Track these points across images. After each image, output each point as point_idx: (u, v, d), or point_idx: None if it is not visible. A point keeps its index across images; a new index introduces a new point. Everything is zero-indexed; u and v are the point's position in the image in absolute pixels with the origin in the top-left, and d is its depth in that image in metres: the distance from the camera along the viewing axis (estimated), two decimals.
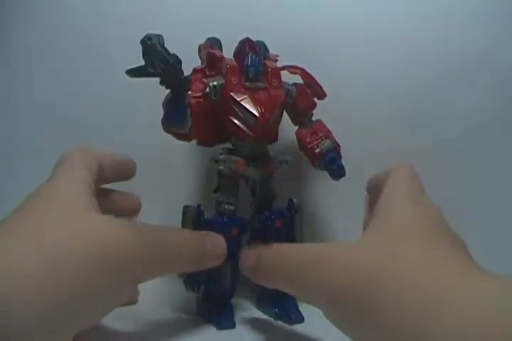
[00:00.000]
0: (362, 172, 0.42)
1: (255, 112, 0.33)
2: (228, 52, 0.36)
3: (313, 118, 0.38)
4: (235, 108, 0.33)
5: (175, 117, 0.31)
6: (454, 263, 0.23)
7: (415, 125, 0.43)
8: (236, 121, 0.33)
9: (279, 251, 0.30)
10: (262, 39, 0.37)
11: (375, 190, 0.31)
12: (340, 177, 0.35)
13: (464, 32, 0.43)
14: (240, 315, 0.35)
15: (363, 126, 0.43)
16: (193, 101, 0.31)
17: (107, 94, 0.43)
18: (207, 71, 0.35)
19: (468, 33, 0.43)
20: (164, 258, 0.29)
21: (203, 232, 0.32)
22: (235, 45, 0.36)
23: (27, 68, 0.44)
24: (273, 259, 0.30)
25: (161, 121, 0.33)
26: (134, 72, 0.29)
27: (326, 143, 0.35)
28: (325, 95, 0.37)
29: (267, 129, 0.34)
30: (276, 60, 0.37)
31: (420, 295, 0.21)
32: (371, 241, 0.26)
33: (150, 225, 0.29)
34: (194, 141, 0.36)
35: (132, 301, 0.36)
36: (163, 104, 0.32)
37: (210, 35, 0.38)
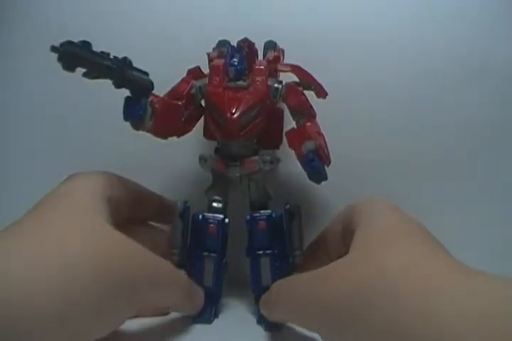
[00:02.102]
0: (362, 173, 0.43)
1: (224, 112, 0.33)
2: None
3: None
4: (210, 107, 0.34)
5: (132, 116, 0.31)
6: (442, 264, 0.23)
7: (415, 126, 0.42)
8: (211, 121, 0.34)
9: (280, 283, 0.31)
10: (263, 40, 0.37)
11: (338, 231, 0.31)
12: (317, 181, 0.34)
13: (465, 33, 0.42)
14: (229, 314, 0.36)
15: (363, 126, 0.42)
16: (154, 99, 0.32)
17: (106, 94, 0.43)
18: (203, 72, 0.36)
19: (469, 35, 0.42)
20: (163, 286, 0.30)
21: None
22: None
23: (26, 68, 0.44)
24: (275, 291, 0.31)
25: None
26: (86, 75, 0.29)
27: (309, 145, 0.33)
28: (326, 94, 0.35)
29: (236, 128, 0.33)
30: (270, 60, 0.36)
31: (412, 298, 0.21)
32: (359, 251, 0.26)
33: (153, 254, 0.29)
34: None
35: (164, 312, 0.36)
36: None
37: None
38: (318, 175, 0.33)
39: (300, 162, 0.34)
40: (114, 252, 0.26)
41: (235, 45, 0.36)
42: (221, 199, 0.36)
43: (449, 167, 0.43)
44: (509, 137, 0.42)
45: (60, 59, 0.26)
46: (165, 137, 0.34)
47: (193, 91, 0.34)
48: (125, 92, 0.42)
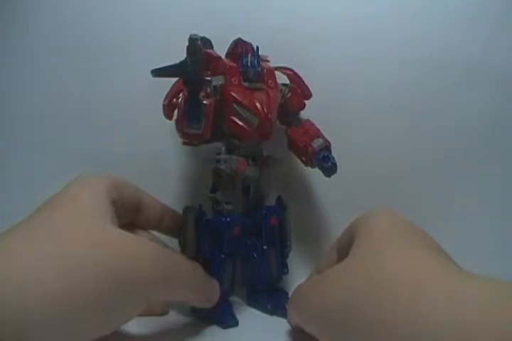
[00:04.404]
0: (361, 173, 0.43)
1: (258, 112, 0.33)
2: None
3: (307, 117, 0.38)
4: (237, 108, 0.33)
5: (193, 118, 0.31)
6: (435, 269, 0.23)
7: (415, 127, 0.43)
8: (238, 121, 0.34)
9: (295, 290, 0.31)
10: (249, 39, 0.37)
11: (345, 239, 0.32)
12: (332, 175, 0.36)
13: (464, 32, 0.43)
14: (236, 313, 0.35)
15: (361, 126, 0.43)
16: (207, 101, 0.32)
17: (106, 94, 0.43)
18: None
19: (469, 34, 0.43)
20: (175, 281, 0.29)
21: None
22: (223, 45, 0.36)
23: (25, 67, 0.44)
24: (291, 299, 0.32)
25: (177, 123, 0.33)
26: (160, 72, 0.30)
27: (319, 142, 0.36)
28: (311, 95, 0.38)
29: (270, 129, 0.34)
30: (267, 61, 0.37)
31: (402, 303, 0.21)
32: (352, 257, 0.27)
33: (164, 248, 0.29)
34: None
35: (162, 312, 0.36)
36: (179, 105, 0.33)
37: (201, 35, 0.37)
38: (333, 169, 0.35)
39: (311, 159, 0.36)
40: (125, 252, 0.26)
41: (233, 45, 0.36)
42: (231, 200, 0.36)
43: (449, 167, 0.43)
44: (510, 137, 0.42)
45: None
46: (201, 139, 0.34)
47: (207, 90, 0.34)
48: (124, 94, 0.43)
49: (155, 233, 0.36)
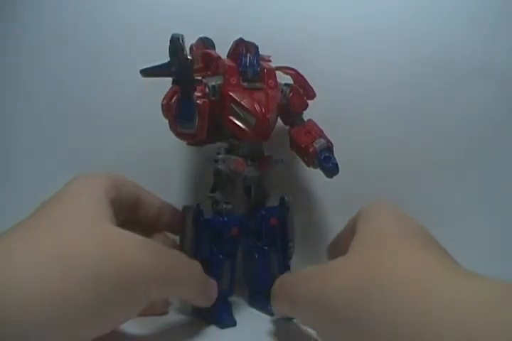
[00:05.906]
0: (357, 171, 0.43)
1: (255, 112, 0.33)
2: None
3: (307, 117, 0.38)
4: (234, 108, 0.34)
5: (184, 117, 0.31)
6: (433, 264, 0.23)
7: (415, 127, 0.43)
8: (236, 121, 0.34)
9: (284, 278, 0.31)
10: (251, 40, 0.37)
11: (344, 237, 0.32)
12: (333, 175, 0.36)
13: (464, 32, 0.43)
14: (236, 313, 0.35)
15: (361, 126, 0.43)
16: (200, 101, 0.32)
17: (106, 94, 0.43)
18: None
19: (469, 34, 0.43)
20: (176, 280, 0.29)
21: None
22: (223, 45, 0.36)
23: (25, 67, 0.44)
24: (278, 286, 0.31)
25: (170, 122, 0.33)
26: (148, 72, 0.29)
27: (320, 142, 0.36)
28: (315, 95, 0.38)
29: (267, 129, 0.34)
30: (269, 61, 0.37)
31: (400, 299, 0.21)
32: (354, 252, 0.27)
33: (164, 247, 0.29)
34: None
35: (162, 312, 0.36)
36: (173, 104, 0.32)
37: (202, 35, 0.38)
38: (335, 170, 0.35)
39: (312, 160, 0.36)
40: (125, 252, 0.26)
41: (235, 44, 0.36)
42: (231, 200, 0.36)
43: (449, 167, 0.43)
44: (510, 137, 0.42)
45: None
46: (196, 139, 0.34)
47: (206, 90, 0.34)
48: (124, 94, 0.43)
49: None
